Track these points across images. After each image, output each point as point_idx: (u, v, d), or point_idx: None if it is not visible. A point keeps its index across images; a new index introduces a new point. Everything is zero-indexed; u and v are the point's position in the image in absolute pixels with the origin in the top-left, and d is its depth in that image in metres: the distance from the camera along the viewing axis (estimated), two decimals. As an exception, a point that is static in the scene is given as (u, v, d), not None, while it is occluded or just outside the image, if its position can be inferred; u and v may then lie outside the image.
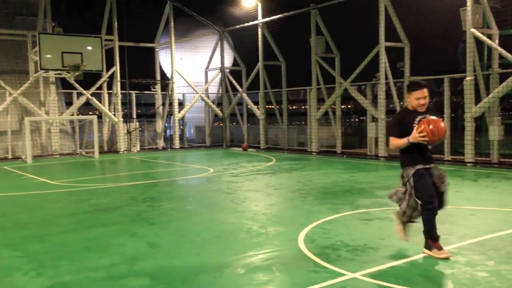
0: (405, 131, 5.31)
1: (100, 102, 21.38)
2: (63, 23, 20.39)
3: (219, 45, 24.48)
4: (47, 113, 20.32)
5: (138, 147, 22.35)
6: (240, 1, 21.96)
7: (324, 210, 8.08)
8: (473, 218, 7.32)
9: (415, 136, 5.20)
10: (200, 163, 17.12)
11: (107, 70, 21.11)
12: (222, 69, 24.44)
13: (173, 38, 22.76)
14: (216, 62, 24.59)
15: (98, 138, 19.88)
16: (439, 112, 5.60)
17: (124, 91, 21.98)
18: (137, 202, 9.49)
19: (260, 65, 21.65)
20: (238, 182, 11.83)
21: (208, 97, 24.52)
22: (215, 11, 24.13)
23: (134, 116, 22.82)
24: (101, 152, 20.64)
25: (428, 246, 5.42)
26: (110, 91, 21.81)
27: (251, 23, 21.81)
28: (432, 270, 5.00)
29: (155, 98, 23.81)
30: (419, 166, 5.36)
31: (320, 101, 19.51)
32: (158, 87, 23.54)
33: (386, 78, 16.37)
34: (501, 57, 13.92)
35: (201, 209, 8.82)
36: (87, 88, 20.62)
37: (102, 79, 21.16)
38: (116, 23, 21.36)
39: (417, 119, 5.28)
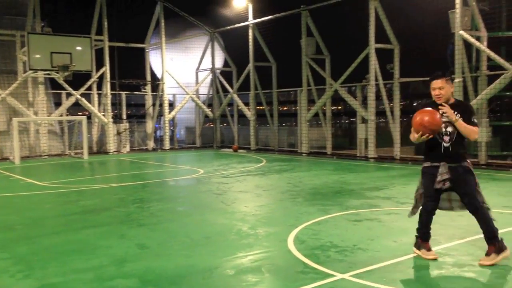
0: None
1: (90, 103, 21.25)
2: (53, 23, 20.23)
3: (209, 46, 24.46)
4: (35, 113, 20.16)
5: (128, 148, 22.24)
6: (231, 2, 21.97)
7: (314, 211, 8.10)
8: (461, 219, 7.36)
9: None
10: (190, 164, 17.08)
11: (97, 71, 21.00)
12: (212, 70, 24.41)
13: (163, 38, 22.70)
14: (206, 63, 24.55)
15: (87, 139, 19.76)
16: (468, 109, 5.19)
17: (114, 92, 21.86)
18: (126, 203, 9.44)
19: (250, 66, 21.67)
20: (228, 183, 11.82)
21: (198, 98, 24.47)
22: (205, 12, 24.12)
23: (124, 116, 22.72)
24: (90, 153, 20.51)
25: (418, 245, 5.44)
26: (99, 92, 21.68)
27: (242, 24, 21.81)
28: (420, 271, 5.03)
29: (145, 98, 23.71)
30: (426, 164, 5.35)
31: (311, 102, 19.56)
32: (148, 87, 23.45)
33: (376, 80, 16.45)
34: (489, 59, 14.07)
35: (191, 210, 8.80)
36: (76, 88, 20.48)
37: (92, 80, 21.04)
38: (106, 23, 21.25)
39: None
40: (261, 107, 22.48)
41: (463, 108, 5.18)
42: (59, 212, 8.86)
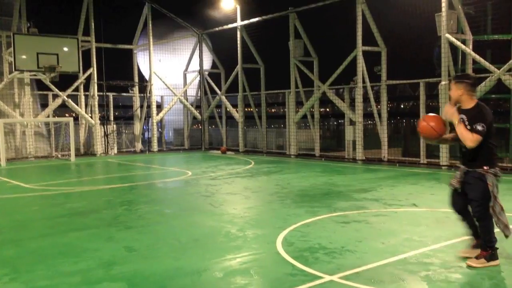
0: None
1: (77, 104, 21.08)
2: (39, 24, 20.02)
3: (197, 48, 24.42)
4: (21, 115, 19.94)
5: (115, 150, 22.11)
6: (219, 4, 21.95)
7: (302, 213, 8.13)
8: (447, 221, 7.45)
9: None
10: (178, 166, 17.03)
11: (84, 72, 20.84)
12: (201, 72, 24.38)
13: (151, 40, 22.61)
14: (194, 65, 24.51)
15: (74, 140, 19.60)
16: (476, 115, 5.04)
17: (101, 93, 21.72)
18: (114, 205, 9.38)
19: (239, 67, 21.67)
20: (217, 185, 11.81)
21: (186, 99, 24.41)
22: (193, 13, 24.05)
23: (112, 118, 22.57)
24: (78, 155, 20.35)
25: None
26: (87, 93, 21.52)
27: (230, 25, 21.81)
28: (407, 272, 5.07)
29: (133, 100, 23.59)
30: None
31: (299, 104, 19.62)
32: (136, 89, 23.34)
33: (364, 82, 16.56)
34: (474, 62, 14.23)
35: (179, 212, 8.77)
36: (63, 89, 20.31)
37: (79, 81, 20.87)
38: (93, 24, 21.11)
39: None
40: (249, 109, 22.50)
41: (474, 114, 5.06)
42: (46, 214, 8.77)
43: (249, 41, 21.27)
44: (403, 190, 10.50)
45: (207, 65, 25.16)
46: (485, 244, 5.18)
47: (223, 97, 23.00)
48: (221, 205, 9.19)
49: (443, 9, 14.05)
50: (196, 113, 24.36)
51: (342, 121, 19.99)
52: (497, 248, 5.20)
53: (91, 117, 21.21)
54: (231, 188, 11.28)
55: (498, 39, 15.07)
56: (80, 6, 20.95)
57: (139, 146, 23.20)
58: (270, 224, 7.48)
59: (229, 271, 5.25)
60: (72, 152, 19.27)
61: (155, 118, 22.65)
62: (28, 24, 19.89)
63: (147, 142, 23.34)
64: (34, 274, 5.30)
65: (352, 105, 17.29)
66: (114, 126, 22.26)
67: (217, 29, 22.97)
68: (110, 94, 22.58)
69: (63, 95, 20.26)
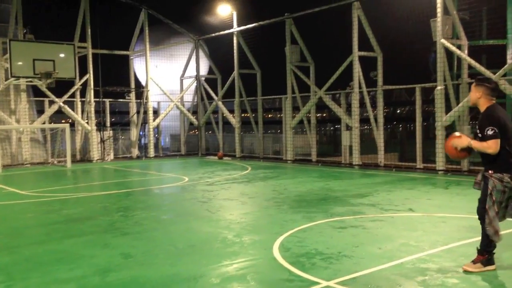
0: None
1: (73, 110, 21.05)
2: (35, 30, 20.03)
3: (194, 53, 24.45)
4: (17, 121, 19.88)
5: (112, 156, 22.06)
6: (216, 10, 22.01)
7: (299, 219, 8.12)
8: (444, 225, 7.46)
9: None
10: (175, 171, 17.00)
11: (80, 78, 20.81)
12: (197, 77, 24.39)
13: (147, 45, 22.63)
14: (191, 70, 24.53)
15: (70, 146, 19.55)
16: (483, 122, 5.10)
17: (97, 99, 21.70)
18: (110, 212, 9.35)
19: (235, 73, 21.70)
20: (213, 190, 11.79)
21: (183, 105, 24.40)
22: (190, 19, 24.11)
23: (108, 124, 22.54)
24: (74, 161, 20.29)
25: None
26: (83, 99, 21.49)
27: (226, 31, 21.86)
28: (404, 277, 5.06)
29: (129, 106, 23.56)
30: None
31: (295, 109, 19.65)
32: (132, 95, 23.32)
33: (360, 87, 16.61)
34: (470, 67, 14.30)
35: (175, 218, 8.75)
36: (59, 96, 20.29)
37: (75, 87, 20.85)
38: (89, 30, 21.11)
39: None
40: (246, 115, 22.50)
41: (481, 119, 5.13)
42: (41, 221, 8.73)
43: (245, 47, 21.31)
44: (399, 195, 10.51)
45: (203, 70, 25.20)
46: (482, 248, 5.18)
47: (220, 103, 23.02)
48: (218, 211, 9.17)
49: (438, 14, 14.12)
50: (193, 118, 24.35)
51: (338, 126, 20.05)
52: (494, 253, 5.20)
53: (87, 123, 21.17)
54: (228, 194, 11.27)
55: (493, 44, 15.17)
56: (77, 12, 20.96)
57: (135, 152, 23.16)
58: (267, 230, 7.46)
59: (225, 277, 5.23)
60: (68, 158, 19.21)
61: (152, 124, 22.63)
62: (25, 31, 19.88)
63: (143, 148, 23.31)
64: (29, 282, 5.27)
65: (348, 110, 17.33)
66: (111, 132, 22.22)
67: (213, 34, 23.02)
68: (107, 100, 22.55)
69: (60, 101, 20.22)
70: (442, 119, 14.19)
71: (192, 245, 6.62)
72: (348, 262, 5.64)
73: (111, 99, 22.91)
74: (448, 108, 14.39)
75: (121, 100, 23.55)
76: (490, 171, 5.09)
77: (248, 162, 19.87)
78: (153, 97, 23.25)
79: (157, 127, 23.80)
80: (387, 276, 5.14)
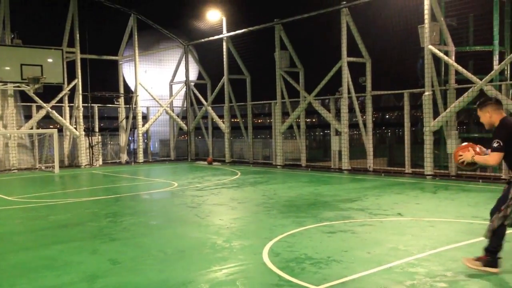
0: None
1: (61, 116, 20.89)
2: (23, 35, 19.88)
3: (183, 59, 24.43)
4: (5, 126, 19.68)
5: (100, 162, 21.91)
6: (205, 15, 22.03)
7: (289, 224, 8.12)
8: (432, 230, 7.50)
9: None
10: (164, 177, 16.92)
11: (69, 83, 20.68)
12: (187, 83, 24.37)
13: (137, 51, 22.57)
14: (181, 76, 24.50)
15: (58, 152, 19.38)
16: (493, 135, 5.13)
17: (86, 104, 21.57)
18: (98, 217, 9.28)
19: (225, 78, 21.72)
20: (203, 196, 11.75)
21: (172, 110, 24.35)
22: (179, 25, 24.10)
23: (97, 129, 22.39)
24: (62, 166, 20.12)
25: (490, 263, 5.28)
26: (71, 104, 21.35)
27: (216, 37, 21.89)
28: (393, 282, 5.08)
29: (118, 111, 23.45)
30: None
31: (285, 114, 19.69)
32: (121, 100, 23.22)
33: (349, 93, 16.70)
34: (457, 73, 14.46)
35: (164, 224, 8.70)
36: (47, 101, 20.13)
37: (63, 92, 20.71)
38: (78, 35, 21.02)
39: None
40: (235, 120, 22.51)
41: (493, 133, 5.19)
42: (28, 227, 8.64)
43: (235, 52, 21.34)
44: (388, 199, 10.56)
45: (193, 76, 25.18)
46: (488, 247, 5.19)
47: (209, 108, 23.00)
48: (207, 216, 9.14)
49: (426, 21, 14.27)
50: (182, 124, 24.30)
51: (328, 131, 20.10)
52: (499, 257, 5.17)
53: (75, 128, 21.02)
54: (217, 199, 11.24)
55: (480, 50, 15.35)
56: (65, 17, 20.86)
57: (124, 157, 23.03)
58: (257, 235, 7.45)
59: (215, 283, 5.20)
60: (56, 163, 19.04)
61: (141, 129, 22.54)
62: (12, 35, 19.72)
63: (132, 154, 23.19)
64: (16, 288, 5.20)
65: (337, 115, 17.41)
66: (99, 137, 22.08)
67: (203, 40, 23.03)
68: (95, 106, 22.43)
69: (47, 107, 20.07)
70: (430, 124, 14.31)
71: (181, 251, 6.58)
72: (338, 266, 5.65)
73: (99, 105, 22.78)
74: (436, 113, 14.52)
75: (110, 105, 23.42)
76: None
77: (237, 167, 19.85)
78: (143, 102, 23.18)
79: (147, 132, 23.71)
80: (376, 280, 5.15)
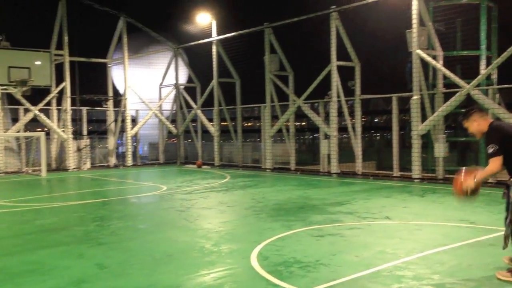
0: None
1: (49, 119, 20.71)
2: (11, 37, 19.69)
3: (173, 62, 24.37)
4: (-9, 129, 19.48)
5: (88, 165, 21.74)
6: (195, 18, 22.01)
7: (277, 227, 8.11)
8: (420, 233, 7.54)
9: None
10: (153, 180, 16.83)
11: (57, 86, 20.52)
12: (176, 86, 24.30)
13: (126, 53, 22.47)
14: (170, 79, 24.44)
15: (45, 155, 19.19)
16: (486, 141, 5.08)
17: (74, 107, 21.41)
18: (85, 221, 9.19)
19: (214, 82, 21.69)
20: (192, 199, 11.71)
21: (162, 113, 24.26)
22: (169, 28, 24.04)
23: (85, 132, 22.23)
24: (49, 170, 19.93)
25: None
26: (59, 107, 21.18)
27: (205, 40, 21.87)
28: (380, 285, 5.09)
29: (107, 114, 23.30)
30: None
31: (274, 118, 19.71)
32: (110, 103, 23.08)
33: (338, 96, 16.77)
34: (445, 77, 14.59)
35: (153, 227, 8.64)
36: (35, 104, 19.94)
37: (51, 95, 20.54)
38: (66, 38, 20.87)
39: None
40: (225, 123, 22.48)
41: (486, 138, 5.11)
42: (14, 232, 8.53)
43: (224, 56, 21.34)
44: (376, 203, 10.60)
45: (182, 79, 25.11)
46: None
47: (199, 111, 22.95)
48: (196, 220, 9.10)
49: (414, 25, 14.39)
50: (172, 127, 24.22)
51: (317, 135, 20.15)
52: None
53: (63, 131, 20.85)
54: (206, 203, 11.20)
55: (467, 55, 15.50)
56: (54, 20, 20.71)
57: (113, 160, 22.88)
58: (245, 239, 7.43)
59: (203, 287, 5.18)
60: (43, 167, 18.85)
61: (130, 132, 22.42)
62: (0, 38, 19.54)
63: (121, 157, 23.03)
64: (1, 294, 5.14)
65: (327, 119, 17.46)
66: (88, 140, 21.91)
67: (192, 43, 23.00)
68: (84, 108, 22.27)
69: (35, 110, 19.88)
70: (418, 128, 14.41)
71: (169, 255, 6.54)
72: (326, 270, 5.65)
73: (88, 107, 22.63)
74: (424, 117, 14.63)
75: (99, 108, 23.27)
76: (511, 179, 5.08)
77: (227, 170, 19.82)
78: (132, 105, 23.06)
79: (135, 135, 23.58)
80: (364, 284, 5.16)
